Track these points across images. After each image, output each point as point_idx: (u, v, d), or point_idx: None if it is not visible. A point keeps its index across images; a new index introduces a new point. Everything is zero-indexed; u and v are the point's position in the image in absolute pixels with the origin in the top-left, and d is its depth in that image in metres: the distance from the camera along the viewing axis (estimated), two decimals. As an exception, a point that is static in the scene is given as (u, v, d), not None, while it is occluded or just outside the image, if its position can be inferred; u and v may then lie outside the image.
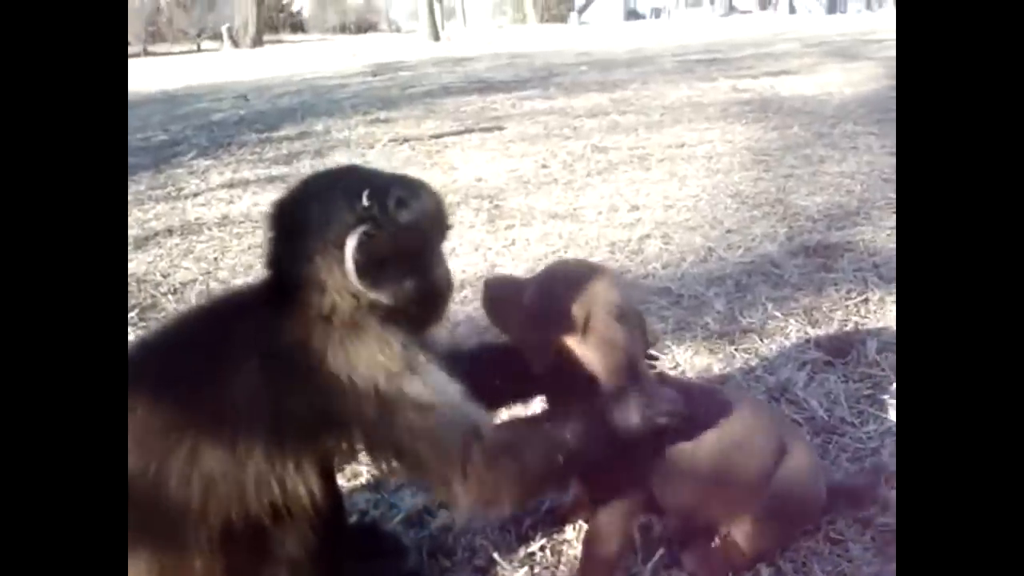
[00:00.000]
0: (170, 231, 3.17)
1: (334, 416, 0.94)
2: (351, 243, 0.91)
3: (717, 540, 1.22)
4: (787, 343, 1.86)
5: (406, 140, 4.65)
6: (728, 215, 2.90)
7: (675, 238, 2.68)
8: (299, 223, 0.97)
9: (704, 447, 1.11)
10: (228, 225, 3.20)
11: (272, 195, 3.55)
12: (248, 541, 0.96)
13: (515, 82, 7.06)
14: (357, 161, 4.20)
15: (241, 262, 2.75)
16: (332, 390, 0.93)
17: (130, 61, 16.42)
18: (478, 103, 5.95)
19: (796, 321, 1.96)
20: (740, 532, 1.17)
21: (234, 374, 0.93)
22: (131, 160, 4.71)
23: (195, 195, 3.77)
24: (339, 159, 4.31)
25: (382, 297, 0.94)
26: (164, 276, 2.66)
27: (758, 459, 1.14)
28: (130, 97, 8.90)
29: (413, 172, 3.65)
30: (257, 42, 21.39)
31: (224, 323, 1.00)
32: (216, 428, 0.92)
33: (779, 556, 1.20)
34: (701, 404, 1.12)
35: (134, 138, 5.53)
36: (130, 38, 20.60)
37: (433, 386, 0.95)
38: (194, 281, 2.59)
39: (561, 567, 1.22)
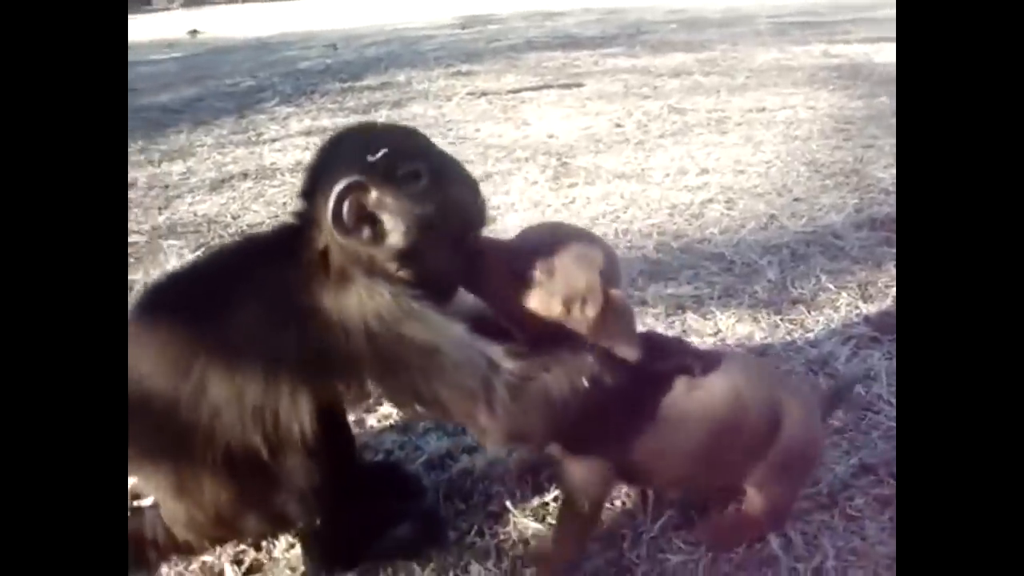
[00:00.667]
0: (245, 175, 3.27)
1: (332, 359, 0.97)
2: (337, 187, 0.95)
3: (729, 508, 1.22)
4: (835, 316, 1.82)
5: (484, 94, 4.65)
6: (798, 183, 2.83)
7: (739, 204, 2.63)
8: (322, 162, 1.02)
9: (690, 412, 1.08)
10: (300, 171, 3.26)
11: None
12: (255, 469, 1.02)
13: (601, 38, 6.95)
14: (433, 113, 4.23)
15: (308, 208, 2.81)
16: (326, 334, 0.96)
17: (229, 8, 16.78)
18: (561, 59, 5.88)
19: (848, 295, 1.91)
20: (746, 502, 1.17)
21: (237, 309, 0.98)
22: (217, 105, 4.85)
23: (273, 141, 3.86)
24: (416, 111, 4.36)
25: (356, 247, 0.97)
26: (234, 218, 2.76)
27: (752, 426, 1.10)
28: (224, 43, 9.12)
29: (486, 126, 3.67)
30: (354, -9, 21.51)
31: (242, 260, 1.06)
32: (220, 360, 0.97)
33: (791, 527, 1.20)
34: (688, 365, 1.09)
35: (222, 83, 5.69)
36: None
37: (435, 327, 0.97)
38: (261, 224, 2.67)
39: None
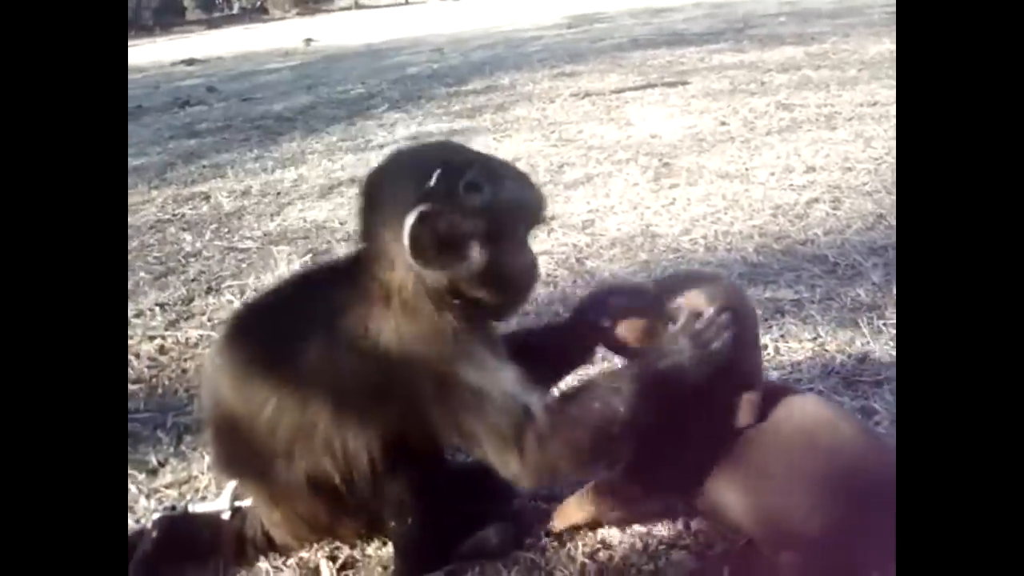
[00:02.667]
0: (353, 181, 3.36)
1: (391, 392, 1.01)
2: (409, 220, 0.94)
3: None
4: (943, 320, 1.75)
5: (587, 95, 4.65)
6: (911, 180, 2.72)
7: (846, 203, 2.55)
8: (376, 197, 1.03)
9: (762, 456, 1.03)
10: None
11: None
12: (338, 488, 1.08)
13: (708, 34, 6.83)
14: (536, 115, 4.26)
15: (411, 213, 2.87)
16: (387, 367, 1.00)
17: (342, 15, 17.27)
18: (666, 56, 5.82)
19: (959, 297, 1.83)
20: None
21: (306, 341, 1.03)
22: (328, 112, 5.02)
23: (381, 147, 3.96)
24: (520, 113, 4.39)
25: (439, 276, 0.98)
26: (341, 224, 2.85)
27: (824, 483, 1.00)
28: (337, 50, 9.40)
29: (589, 127, 3.67)
30: (462, -6, 21.76)
31: (313, 290, 1.12)
32: (292, 390, 1.03)
33: None
34: (772, 407, 1.06)
35: (334, 91, 5.87)
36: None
37: (485, 371, 0.99)
38: (367, 230, 2.74)
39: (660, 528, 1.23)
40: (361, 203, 1.05)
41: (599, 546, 1.20)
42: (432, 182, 0.96)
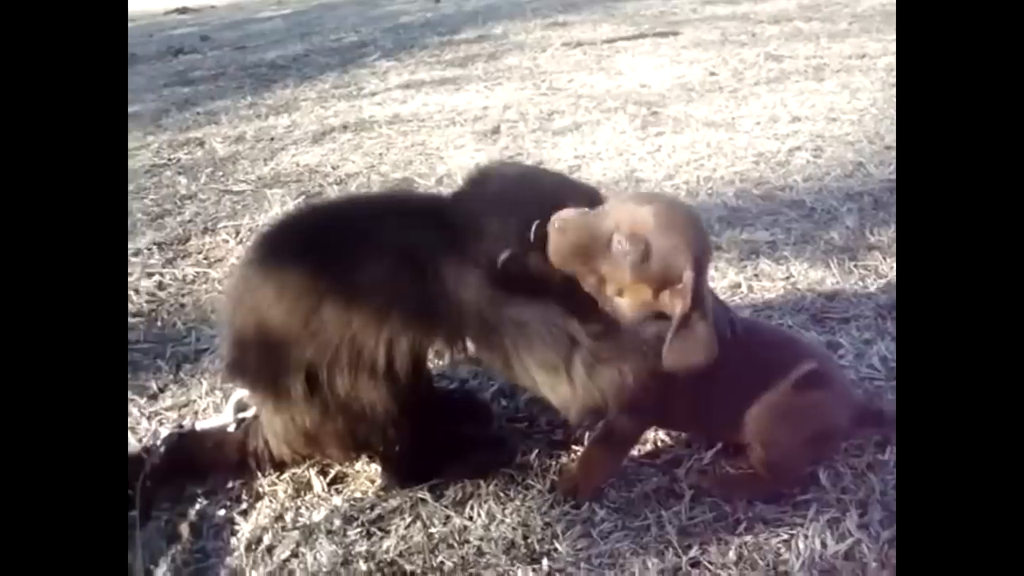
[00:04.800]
0: (345, 127, 3.41)
1: (441, 320, 1.11)
2: (502, 256, 1.09)
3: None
4: (911, 262, 1.82)
5: (579, 44, 4.66)
6: (891, 131, 2.77)
7: (827, 151, 2.61)
8: (504, 203, 1.14)
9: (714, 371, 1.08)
10: (397, 123, 3.39)
11: (441, 96, 3.74)
12: (342, 399, 1.15)
13: (703, -15, 6.82)
14: (527, 64, 4.28)
15: (402, 158, 2.93)
16: (443, 299, 1.10)
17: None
18: (659, 7, 5.81)
19: (927, 241, 1.91)
20: (753, 458, 1.20)
21: (376, 254, 1.12)
22: (321, 60, 5.01)
23: (373, 95, 3.99)
24: (511, 62, 4.41)
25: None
26: (333, 168, 2.90)
27: (764, 386, 1.14)
28: (331, -1, 9.34)
29: (579, 76, 3.69)
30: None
31: (410, 212, 1.20)
32: (339, 292, 1.11)
33: (840, 462, 1.24)
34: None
35: (327, 39, 5.85)
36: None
37: (529, 306, 1.09)
38: (358, 174, 2.81)
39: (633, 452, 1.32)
40: (491, 196, 1.16)
41: (571, 463, 1.29)
42: (530, 234, 1.09)
